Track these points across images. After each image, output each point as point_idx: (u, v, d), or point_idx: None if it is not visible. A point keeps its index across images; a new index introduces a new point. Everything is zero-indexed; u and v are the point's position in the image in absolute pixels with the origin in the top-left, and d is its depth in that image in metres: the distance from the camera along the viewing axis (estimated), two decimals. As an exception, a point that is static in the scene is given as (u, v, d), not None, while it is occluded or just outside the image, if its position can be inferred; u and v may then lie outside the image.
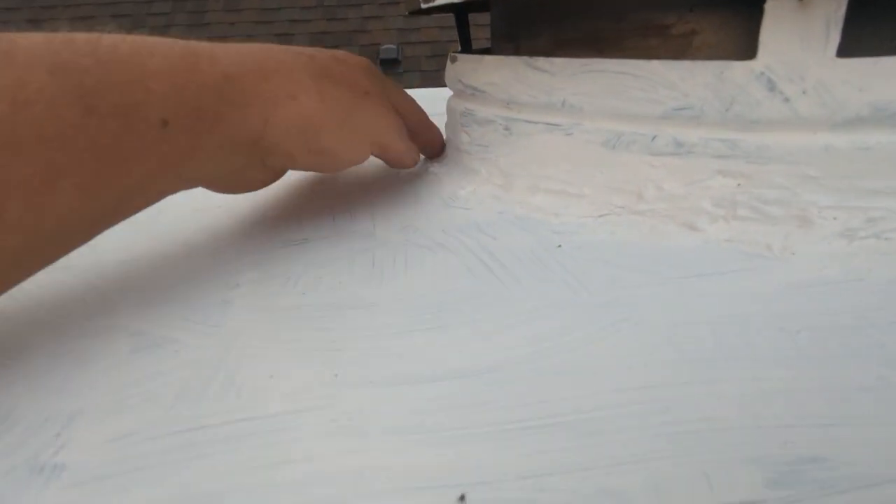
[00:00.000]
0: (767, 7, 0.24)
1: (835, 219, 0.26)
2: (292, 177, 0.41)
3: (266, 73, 0.27)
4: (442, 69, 0.40)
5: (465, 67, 0.36)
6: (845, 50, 0.24)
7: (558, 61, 0.30)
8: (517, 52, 0.36)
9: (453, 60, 0.38)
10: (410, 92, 0.38)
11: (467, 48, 0.46)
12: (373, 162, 0.44)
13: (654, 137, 0.28)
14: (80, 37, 0.21)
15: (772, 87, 0.25)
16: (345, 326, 0.23)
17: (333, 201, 0.37)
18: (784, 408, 0.18)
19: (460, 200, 0.35)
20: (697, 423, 0.17)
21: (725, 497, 0.15)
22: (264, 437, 0.17)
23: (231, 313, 0.24)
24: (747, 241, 0.27)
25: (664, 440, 0.17)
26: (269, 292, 0.26)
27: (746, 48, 0.26)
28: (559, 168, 0.31)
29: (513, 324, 0.22)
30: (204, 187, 0.29)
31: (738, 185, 0.27)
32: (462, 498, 0.15)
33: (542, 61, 0.30)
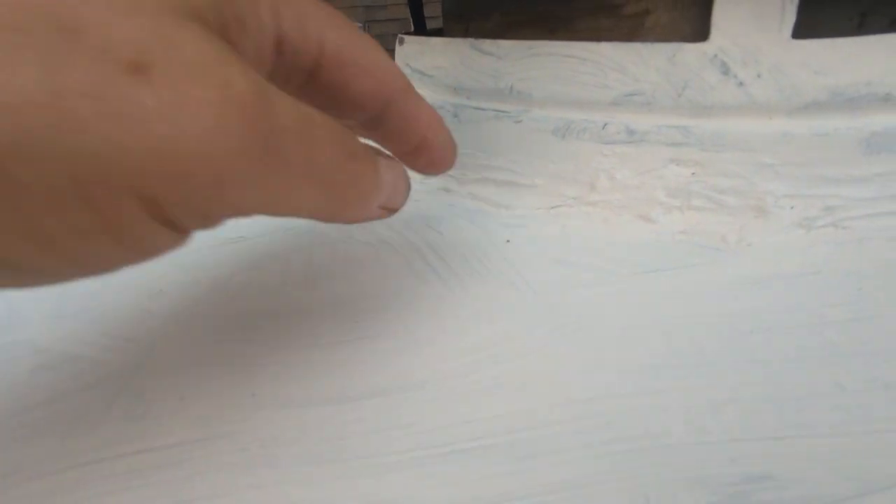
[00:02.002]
0: (720, -16, 0.23)
1: (792, 208, 0.25)
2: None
3: None
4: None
5: (413, 50, 0.34)
6: (802, 31, 0.23)
7: (505, 44, 0.28)
8: (467, 33, 0.34)
9: (401, 42, 0.36)
10: None
11: (420, 29, 0.44)
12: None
13: (605, 125, 0.26)
14: None
15: (725, 70, 0.24)
16: (271, 337, 0.21)
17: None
18: (733, 420, 0.16)
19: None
20: (641, 440, 0.16)
21: (666, 526, 0.14)
22: (164, 472, 0.16)
23: (149, 325, 0.22)
24: (702, 233, 0.25)
25: (604, 461, 0.15)
26: (193, 299, 0.24)
27: (700, 29, 0.25)
28: (510, 158, 0.29)
29: (447, 331, 0.21)
30: None
31: (693, 173, 0.26)
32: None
33: (488, 44, 0.28)
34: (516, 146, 0.29)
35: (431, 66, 0.32)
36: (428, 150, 0.19)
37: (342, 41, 0.16)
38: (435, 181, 0.33)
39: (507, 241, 0.26)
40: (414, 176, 0.35)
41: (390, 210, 0.17)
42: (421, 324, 0.21)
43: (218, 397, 0.18)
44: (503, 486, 0.15)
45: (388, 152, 0.18)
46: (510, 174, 0.30)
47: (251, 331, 0.21)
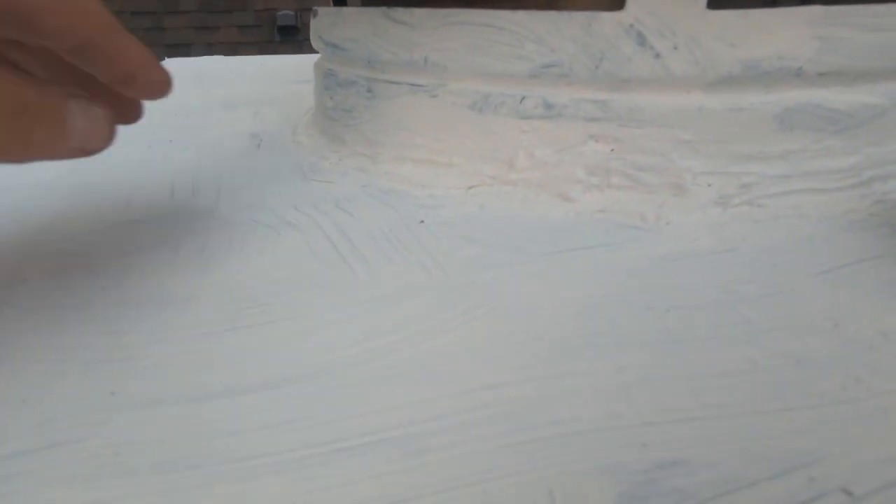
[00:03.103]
0: (636, -50, 0.22)
1: (709, 185, 0.25)
2: (127, 142, 0.35)
3: None
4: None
5: (326, 22, 0.32)
6: (717, 1, 0.22)
7: (418, 12, 0.26)
8: (385, 3, 0.32)
9: (315, 15, 0.34)
10: (295, 58, 0.33)
11: (341, 2, 0.42)
12: (230, 128, 0.39)
13: (522, 98, 0.25)
14: None
15: (642, 41, 0.23)
16: (143, 328, 0.18)
17: (176, 173, 0.31)
18: (645, 402, 0.15)
19: (322, 173, 0.31)
20: (548, 427, 0.15)
21: (569, 521, 0.12)
22: (-9, 488, 0.13)
23: (3, 318, 0.19)
24: (621, 212, 0.25)
25: (507, 453, 0.14)
26: (60, 289, 0.21)
27: (617, -1, 0.24)
28: (426, 135, 0.28)
29: (350, 317, 0.19)
30: None
31: (612, 150, 0.25)
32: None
33: (401, 12, 0.27)
34: (433, 122, 0.27)
35: (344, 38, 0.30)
36: (134, 85, 0.19)
37: None
38: (350, 161, 0.31)
39: (421, 221, 0.25)
40: (326, 156, 0.32)
41: (86, 153, 0.18)
42: (318, 310, 0.19)
43: (69, 398, 0.15)
44: (391, 485, 0.13)
45: (84, 94, 0.18)
46: (427, 152, 0.28)
47: (122, 322, 0.19)
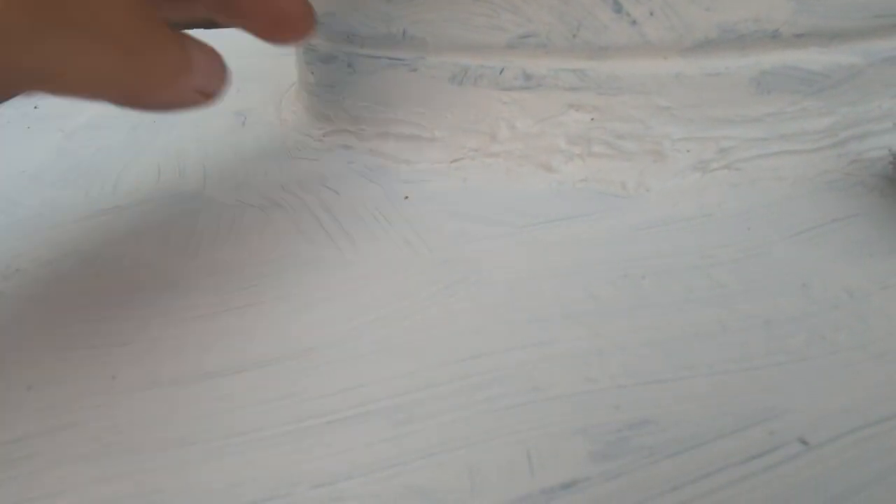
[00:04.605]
0: (609, -84, 0.22)
1: (688, 151, 0.25)
2: (111, 125, 0.35)
3: None
4: None
5: (303, -4, 0.32)
6: (691, -35, 0.22)
7: (395, -16, 0.26)
8: (361, -24, 0.32)
9: (292, -12, 0.33)
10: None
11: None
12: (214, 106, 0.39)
13: (501, 70, 0.25)
14: None
15: (618, 8, 0.23)
16: (139, 313, 0.19)
17: (161, 155, 0.32)
18: (619, 367, 0.16)
19: (308, 151, 0.31)
20: (527, 394, 0.15)
21: (546, 479, 0.13)
22: (4, 471, 0.14)
23: (1, 307, 0.20)
24: (602, 181, 0.25)
25: (487, 418, 0.15)
26: (54, 277, 0.21)
27: (593, -35, 0.24)
28: (408, 109, 0.28)
29: (338, 295, 0.19)
30: None
31: (592, 119, 0.25)
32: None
33: (378, -15, 0.26)
34: (414, 97, 0.28)
35: (323, 12, 0.30)
36: (280, 26, 0.18)
37: None
38: (334, 138, 0.31)
39: (406, 197, 0.25)
40: (311, 133, 0.33)
41: (208, 96, 0.17)
42: (307, 288, 0.20)
43: (72, 383, 0.16)
44: (382, 452, 0.14)
45: (197, 38, 0.16)
46: (410, 127, 0.28)
47: (117, 307, 0.19)
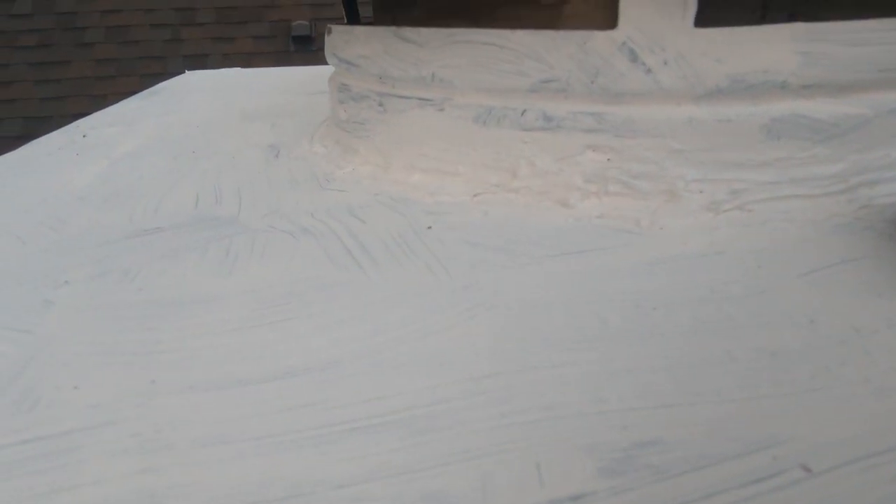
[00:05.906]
0: (626, -26, 0.24)
1: (701, 192, 0.26)
2: (154, 154, 0.37)
3: None
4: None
5: (339, 40, 0.34)
6: (703, 19, 0.24)
7: (426, 31, 0.28)
8: (394, 23, 0.34)
9: (329, 33, 0.36)
10: (310, 69, 0.35)
11: (354, 20, 0.44)
12: (249, 139, 0.41)
13: (523, 112, 0.27)
14: None
15: (634, 57, 0.24)
16: (177, 325, 0.20)
17: (199, 183, 0.34)
18: (629, 389, 0.17)
19: (336, 182, 0.32)
20: (539, 411, 0.16)
21: (555, 491, 0.14)
22: (51, 460, 0.15)
23: (49, 315, 0.21)
24: (618, 217, 0.26)
25: (501, 432, 0.15)
26: (99, 290, 0.23)
27: (611, 18, 0.25)
28: (434, 146, 0.30)
29: (363, 314, 0.20)
30: None
31: (608, 159, 0.26)
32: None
33: (409, 31, 0.29)
34: (440, 134, 0.29)
35: (357, 55, 0.32)
36: None
37: None
38: (362, 170, 0.33)
39: (429, 227, 0.26)
40: (341, 166, 0.34)
41: None
42: (333, 307, 0.21)
43: (114, 386, 0.17)
44: (400, 459, 0.15)
45: None
46: (435, 162, 0.30)
47: (157, 319, 0.21)
